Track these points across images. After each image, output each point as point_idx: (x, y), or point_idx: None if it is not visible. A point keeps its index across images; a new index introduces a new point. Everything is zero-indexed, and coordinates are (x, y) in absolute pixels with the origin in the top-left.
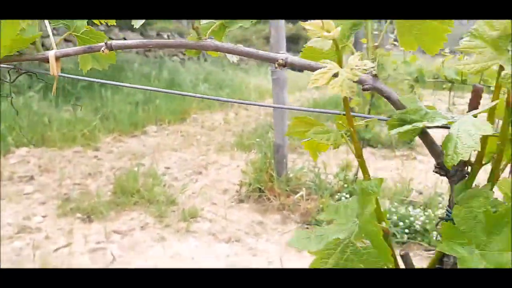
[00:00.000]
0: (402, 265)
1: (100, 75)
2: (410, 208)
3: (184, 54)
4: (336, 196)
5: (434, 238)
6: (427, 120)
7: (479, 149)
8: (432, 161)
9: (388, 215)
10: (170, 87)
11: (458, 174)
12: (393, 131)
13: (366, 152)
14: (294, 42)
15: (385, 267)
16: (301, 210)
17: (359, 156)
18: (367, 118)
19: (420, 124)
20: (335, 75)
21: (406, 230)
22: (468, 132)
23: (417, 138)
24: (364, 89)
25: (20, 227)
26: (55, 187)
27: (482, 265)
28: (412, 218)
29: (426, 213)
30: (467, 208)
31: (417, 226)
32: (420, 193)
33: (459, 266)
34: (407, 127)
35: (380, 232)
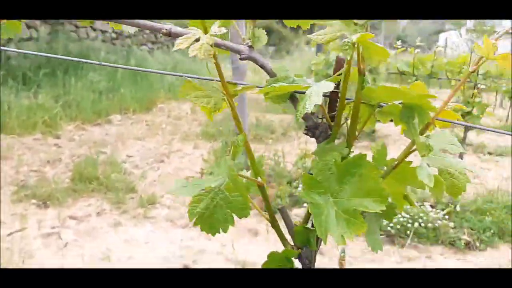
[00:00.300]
0: (280, 219)
1: (66, 64)
2: None
3: (153, 43)
4: (294, 184)
5: (384, 223)
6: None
7: (320, 103)
8: (389, 151)
9: None
10: (137, 76)
11: (322, 135)
12: (267, 96)
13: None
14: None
15: (246, 213)
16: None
17: (234, 116)
18: (244, 85)
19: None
20: (197, 40)
21: None
22: (316, 91)
23: (380, 132)
24: (241, 59)
25: None
26: (12, 174)
27: (333, 211)
28: None
29: None
30: (323, 161)
31: None
32: None
33: (310, 211)
34: (275, 87)
35: (241, 182)
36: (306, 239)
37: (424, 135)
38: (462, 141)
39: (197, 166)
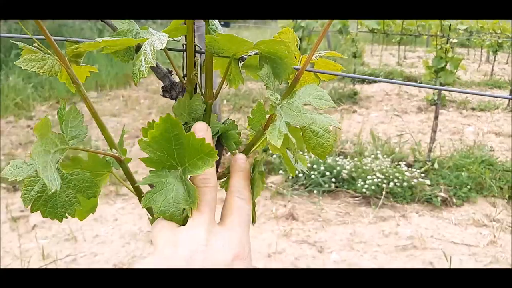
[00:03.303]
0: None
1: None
2: (338, 158)
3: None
4: (270, 151)
5: (359, 185)
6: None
7: (154, 65)
8: (369, 113)
9: (315, 166)
10: None
11: (179, 95)
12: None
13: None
14: None
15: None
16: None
17: (75, 82)
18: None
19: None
20: None
21: (333, 179)
22: (150, 46)
23: (362, 94)
24: None
25: None
26: None
27: (181, 184)
28: (338, 168)
29: (353, 162)
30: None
31: (344, 175)
32: (354, 144)
33: (147, 202)
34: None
35: (79, 158)
36: None
37: (294, 90)
38: (438, 96)
39: None
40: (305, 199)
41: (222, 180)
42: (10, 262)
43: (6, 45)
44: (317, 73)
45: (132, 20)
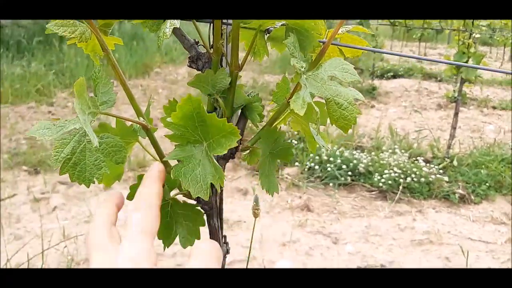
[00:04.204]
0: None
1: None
2: (355, 152)
3: None
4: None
5: (376, 179)
6: None
7: (177, 26)
8: (388, 108)
9: (331, 158)
10: (132, 40)
11: (206, 66)
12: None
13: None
14: None
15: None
16: None
17: (105, 49)
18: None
19: None
20: None
21: (349, 173)
22: None
23: (380, 89)
24: None
25: None
26: (5, 142)
27: (207, 158)
28: (355, 161)
29: (370, 156)
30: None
31: (361, 169)
32: (371, 139)
33: (176, 174)
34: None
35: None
36: None
37: (319, 63)
38: (458, 92)
39: None
40: (320, 191)
41: (245, 152)
42: (31, 241)
43: (28, 32)
44: (342, 49)
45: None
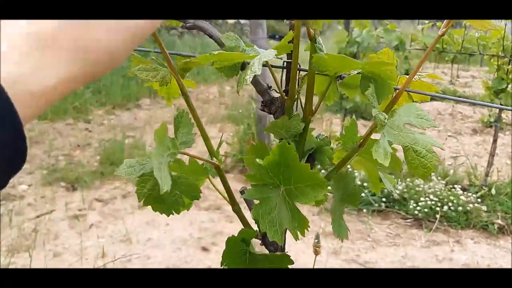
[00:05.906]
0: (243, 202)
1: None
2: None
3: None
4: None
5: (411, 206)
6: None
7: (259, 73)
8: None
9: (365, 184)
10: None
11: (279, 110)
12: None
13: (360, 124)
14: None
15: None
16: None
17: (184, 93)
18: (189, 56)
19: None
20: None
21: (384, 199)
22: (259, 59)
23: None
24: (185, 27)
25: (4, 194)
26: (43, 158)
27: (285, 204)
28: None
29: (405, 183)
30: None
31: (395, 195)
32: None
33: (255, 215)
34: (213, 54)
35: (184, 164)
36: None
37: (392, 109)
38: (497, 118)
39: (221, 149)
40: (354, 217)
41: None
42: (70, 258)
43: None
44: (410, 94)
45: (238, 37)
